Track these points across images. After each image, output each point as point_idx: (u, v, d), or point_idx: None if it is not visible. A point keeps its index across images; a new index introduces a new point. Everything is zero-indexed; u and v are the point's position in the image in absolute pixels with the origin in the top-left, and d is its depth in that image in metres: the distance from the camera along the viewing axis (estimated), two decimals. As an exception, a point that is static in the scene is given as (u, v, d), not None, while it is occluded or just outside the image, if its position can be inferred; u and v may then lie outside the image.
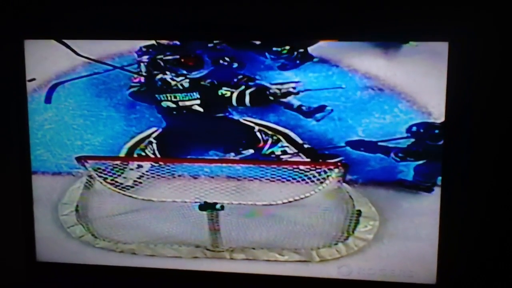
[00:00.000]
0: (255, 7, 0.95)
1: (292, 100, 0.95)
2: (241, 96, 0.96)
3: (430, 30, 0.91)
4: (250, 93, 0.96)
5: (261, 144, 0.98)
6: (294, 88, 0.94)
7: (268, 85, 0.96)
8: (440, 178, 0.95)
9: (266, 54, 0.95)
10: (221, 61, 0.96)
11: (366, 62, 0.93)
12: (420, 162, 0.95)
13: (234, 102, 0.97)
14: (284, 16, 0.95)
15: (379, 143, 0.95)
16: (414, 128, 0.94)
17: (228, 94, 0.97)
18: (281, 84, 0.95)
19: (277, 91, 0.95)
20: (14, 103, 1.03)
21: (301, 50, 0.94)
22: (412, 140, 0.94)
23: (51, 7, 1.00)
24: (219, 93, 0.97)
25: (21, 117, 1.03)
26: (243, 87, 0.96)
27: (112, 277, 1.07)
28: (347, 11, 0.94)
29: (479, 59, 0.91)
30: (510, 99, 0.94)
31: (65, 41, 0.99)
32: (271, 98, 0.95)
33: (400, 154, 0.95)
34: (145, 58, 0.98)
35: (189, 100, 0.98)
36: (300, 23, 0.95)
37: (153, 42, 0.98)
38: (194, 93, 0.98)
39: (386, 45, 0.92)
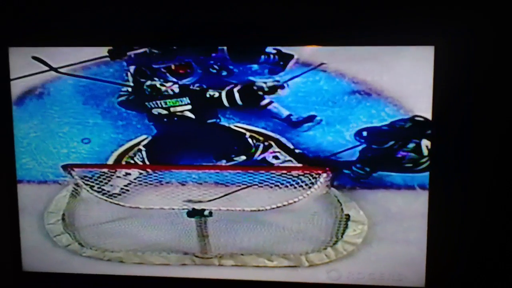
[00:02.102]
0: (238, 12, 0.96)
1: (282, 110, 0.95)
2: (230, 95, 0.96)
3: (415, 34, 0.92)
4: (239, 91, 0.96)
5: (253, 150, 0.98)
6: (278, 81, 0.95)
7: (253, 79, 0.96)
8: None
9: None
10: (210, 69, 0.96)
11: (353, 66, 0.93)
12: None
13: (225, 102, 0.96)
14: (269, 21, 0.95)
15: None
16: (365, 133, 0.95)
17: (217, 94, 0.97)
18: (266, 78, 0.95)
19: (263, 85, 0.95)
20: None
21: (274, 51, 0.95)
22: (363, 146, 0.95)
23: (37, 14, 0.99)
24: (208, 95, 0.97)
25: (6, 125, 1.02)
26: (230, 86, 0.96)
27: (100, 286, 1.06)
28: (332, 15, 0.94)
29: (465, 62, 0.92)
30: (497, 100, 0.95)
31: (46, 50, 0.98)
32: (260, 93, 0.95)
33: (358, 165, 0.96)
34: (132, 66, 0.98)
35: (180, 105, 0.98)
36: (285, 28, 0.95)
37: (142, 49, 0.97)
38: (184, 99, 0.98)
39: (373, 50, 0.93)
